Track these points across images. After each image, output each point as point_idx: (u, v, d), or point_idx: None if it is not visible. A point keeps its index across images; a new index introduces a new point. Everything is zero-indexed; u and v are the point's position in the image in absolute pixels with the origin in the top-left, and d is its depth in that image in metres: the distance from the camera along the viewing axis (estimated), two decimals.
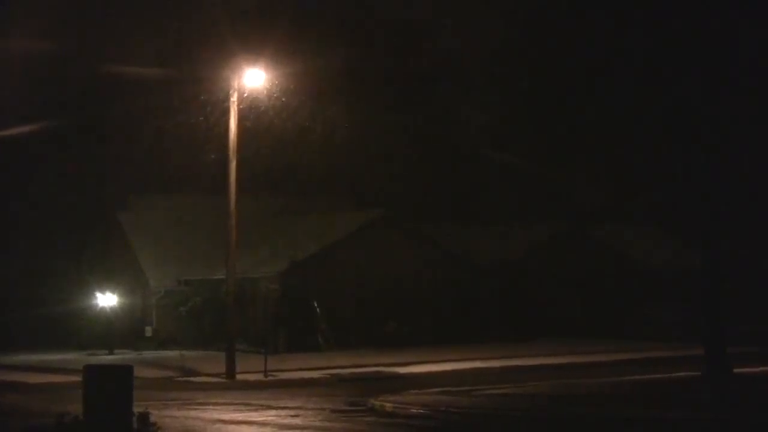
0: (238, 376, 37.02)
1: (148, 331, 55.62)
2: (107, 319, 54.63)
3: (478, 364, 41.27)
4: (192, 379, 38.17)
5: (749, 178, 32.73)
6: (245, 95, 38.47)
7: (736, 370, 30.74)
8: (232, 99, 37.67)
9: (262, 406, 28.19)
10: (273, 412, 26.65)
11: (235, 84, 37.70)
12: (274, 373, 37.81)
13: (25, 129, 50.56)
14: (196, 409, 27.71)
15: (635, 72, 31.67)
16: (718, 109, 30.56)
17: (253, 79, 37.91)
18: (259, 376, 37.27)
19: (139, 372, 24.73)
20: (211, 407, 28.20)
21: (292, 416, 25.58)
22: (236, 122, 37.70)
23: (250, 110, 39.86)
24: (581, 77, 35.54)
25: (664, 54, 30.74)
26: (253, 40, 38.92)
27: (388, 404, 26.79)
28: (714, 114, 30.58)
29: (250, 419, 25.15)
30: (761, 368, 34.96)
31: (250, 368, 37.98)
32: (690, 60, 30.44)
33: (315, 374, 38.50)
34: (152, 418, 20.25)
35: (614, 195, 61.91)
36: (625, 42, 31.52)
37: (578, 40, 33.81)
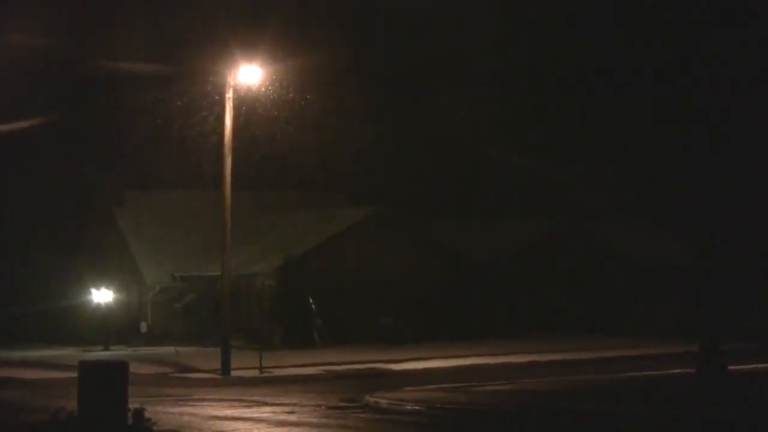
0: (234, 373, 36.99)
1: (143, 327, 55.58)
2: (102, 315, 54.61)
3: (474, 360, 41.29)
4: (187, 375, 38.14)
5: (747, 175, 32.74)
6: (241, 92, 38.44)
7: (730, 367, 30.79)
8: (227, 95, 37.62)
9: (257, 402, 28.18)
10: (268, 408, 26.65)
11: (231, 80, 37.65)
12: (269, 370, 37.80)
13: (20, 125, 50.50)
14: (191, 405, 27.70)
15: (635, 69, 31.69)
16: (719, 105, 30.59)
17: (249, 75, 37.86)
18: (255, 373, 37.26)
19: (134, 368, 24.68)
20: (206, 403, 28.19)
21: (287, 413, 25.58)
22: (231, 118, 37.65)
23: (246, 106, 39.86)
24: (581, 74, 35.56)
25: (664, 51, 30.76)
26: (249, 36, 38.90)
27: (383, 401, 26.80)
28: (714, 110, 30.61)
29: (245, 416, 25.15)
30: (756, 365, 35.01)
31: (245, 364, 37.95)
32: (691, 57, 30.46)
33: (310, 371, 38.50)
34: (147, 414, 20.21)
35: (611, 191, 61.95)
36: (626, 39, 31.55)
37: (578, 38, 33.84)
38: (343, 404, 27.41)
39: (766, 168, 32.59)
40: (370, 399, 27.27)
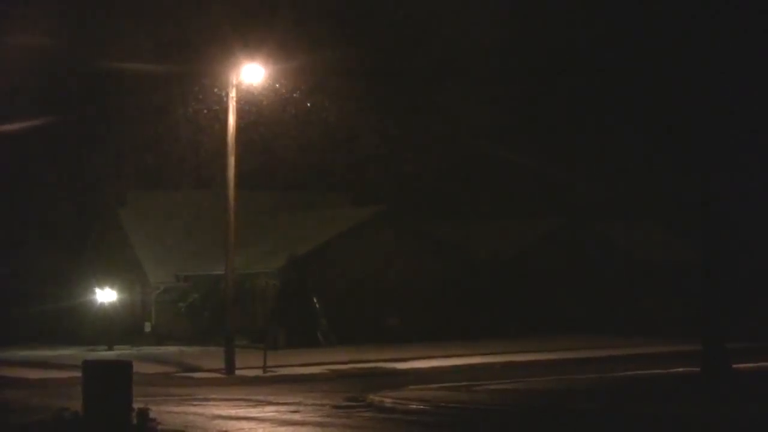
0: (238, 372, 37.04)
1: (147, 327, 55.65)
2: (106, 315, 54.66)
3: (478, 359, 41.31)
4: (191, 374, 38.18)
5: (750, 173, 32.76)
6: (244, 91, 38.46)
7: (734, 366, 30.79)
8: (230, 94, 37.65)
9: (261, 401, 28.22)
10: (272, 407, 26.68)
11: (234, 79, 37.68)
12: (273, 369, 37.83)
13: (23, 125, 50.53)
14: (195, 404, 27.75)
15: (636, 68, 31.71)
16: (719, 104, 30.60)
17: (252, 74, 37.88)
18: (258, 372, 37.29)
19: (139, 368, 24.71)
20: (210, 403, 28.23)
21: (291, 412, 25.61)
22: (235, 118, 37.68)
23: (249, 106, 39.87)
24: (581, 74, 35.57)
25: (664, 51, 30.79)
26: (252, 36, 38.92)
27: (387, 400, 26.82)
28: (715, 109, 30.62)
29: (249, 415, 25.19)
30: (760, 364, 35.01)
31: (249, 364, 37.99)
32: (691, 56, 30.48)
33: (314, 370, 38.52)
34: (152, 414, 20.24)
35: (613, 191, 61.96)
36: (626, 39, 31.58)
37: (578, 38, 33.86)
38: (347, 403, 27.45)
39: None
40: (374, 398, 27.30)
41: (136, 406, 20.19)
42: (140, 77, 46.48)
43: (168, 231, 57.45)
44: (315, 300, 49.96)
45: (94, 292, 55.99)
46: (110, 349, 50.98)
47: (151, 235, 57.39)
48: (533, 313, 55.59)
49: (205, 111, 39.72)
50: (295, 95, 41.95)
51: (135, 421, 19.98)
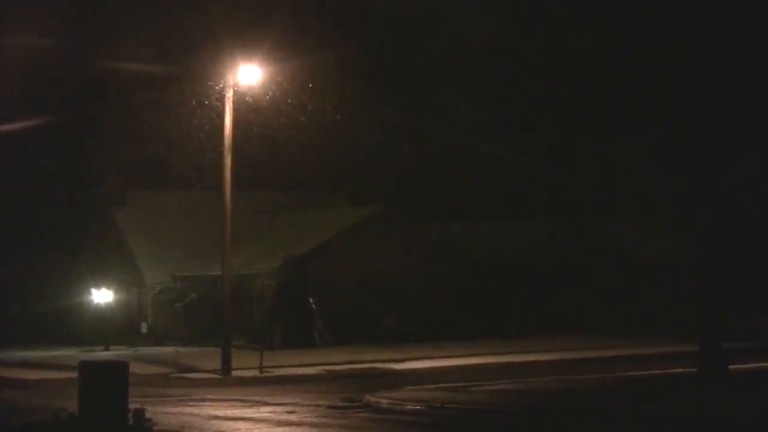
0: (234, 373, 36.96)
1: (144, 328, 55.55)
2: (103, 315, 54.57)
3: (475, 360, 41.24)
4: (188, 375, 38.10)
5: (750, 172, 32.66)
6: (241, 92, 38.36)
7: (731, 367, 30.72)
8: (227, 95, 37.56)
9: (257, 402, 28.14)
10: (268, 408, 26.60)
11: (230, 80, 37.59)
12: (269, 370, 37.76)
13: (21, 125, 50.47)
14: (191, 405, 27.67)
15: (636, 68, 31.63)
16: (719, 104, 30.53)
17: (249, 75, 37.79)
18: (255, 373, 37.21)
19: (135, 368, 24.65)
20: (207, 403, 28.15)
21: (287, 412, 25.54)
22: (231, 118, 37.59)
23: (246, 106, 39.79)
24: (580, 74, 35.48)
25: (664, 51, 30.72)
26: (249, 36, 38.83)
27: (383, 400, 26.74)
28: (715, 109, 30.55)
29: (245, 415, 25.11)
30: (757, 365, 34.96)
31: (246, 364, 37.92)
32: (691, 56, 30.41)
33: (311, 370, 38.45)
34: (148, 415, 20.15)
35: (613, 191, 61.86)
36: (626, 39, 31.50)
37: (579, 38, 33.77)
38: (343, 404, 27.37)
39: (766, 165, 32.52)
40: (370, 399, 27.22)
41: (132, 406, 20.11)
42: (139, 77, 46.44)
43: (165, 231, 57.35)
44: (312, 300, 49.88)
45: (90, 293, 55.92)
46: (107, 349, 50.90)
47: (148, 235, 57.31)
48: (533, 313, 55.47)
49: (206, 102, 39.62)
50: (293, 95, 41.87)
51: (131, 421, 19.89)
